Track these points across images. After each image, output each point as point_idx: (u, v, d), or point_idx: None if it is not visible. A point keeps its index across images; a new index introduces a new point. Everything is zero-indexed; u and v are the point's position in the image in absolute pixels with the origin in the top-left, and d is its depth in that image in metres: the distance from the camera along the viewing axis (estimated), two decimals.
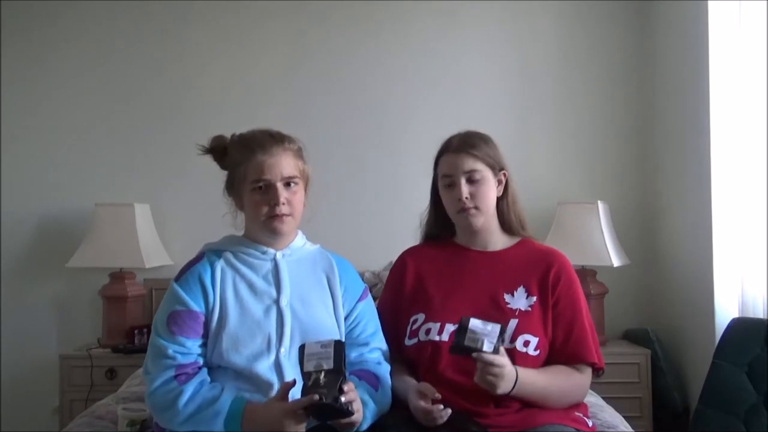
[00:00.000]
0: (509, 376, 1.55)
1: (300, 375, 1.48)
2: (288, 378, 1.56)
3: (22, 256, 3.24)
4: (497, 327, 1.53)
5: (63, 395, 2.91)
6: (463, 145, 1.79)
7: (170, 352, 1.57)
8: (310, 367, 1.44)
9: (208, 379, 1.59)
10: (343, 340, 1.68)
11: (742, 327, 2.20)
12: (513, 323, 1.69)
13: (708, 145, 2.62)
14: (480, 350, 1.51)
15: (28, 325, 3.20)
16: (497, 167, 1.81)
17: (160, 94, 3.27)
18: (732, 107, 2.57)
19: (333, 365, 1.43)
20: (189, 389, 1.54)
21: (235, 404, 1.52)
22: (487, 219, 1.81)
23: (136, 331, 2.95)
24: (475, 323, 1.53)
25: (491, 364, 1.52)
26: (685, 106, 2.86)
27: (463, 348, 1.52)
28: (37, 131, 3.26)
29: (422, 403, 1.57)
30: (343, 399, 1.43)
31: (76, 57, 3.27)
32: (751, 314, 2.48)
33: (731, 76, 2.57)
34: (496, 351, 1.52)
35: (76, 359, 2.92)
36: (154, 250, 3.07)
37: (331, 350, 1.45)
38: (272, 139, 1.67)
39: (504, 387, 1.55)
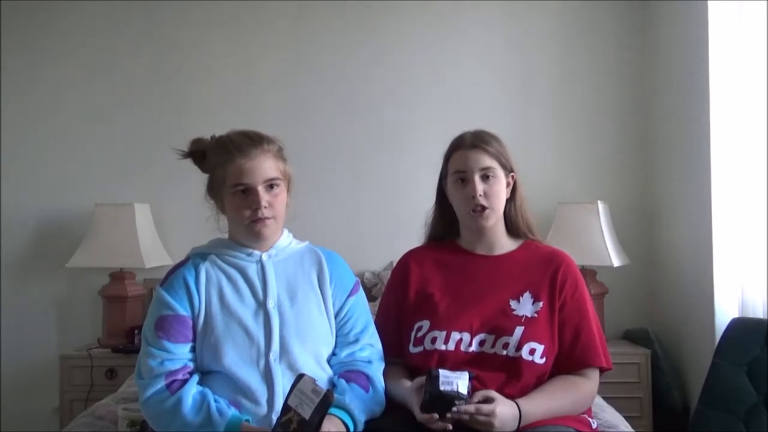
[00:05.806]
0: (503, 418, 1.51)
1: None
2: (277, 384, 1.55)
3: (22, 256, 3.24)
4: (465, 373, 1.52)
5: (63, 395, 2.91)
6: (478, 141, 1.76)
7: (159, 359, 1.55)
8: (293, 401, 1.40)
9: (199, 388, 1.54)
10: (334, 335, 1.67)
11: (742, 327, 2.19)
12: (519, 331, 1.66)
13: (708, 144, 2.62)
14: (457, 393, 1.49)
15: (28, 325, 3.20)
16: (508, 168, 1.78)
17: (161, 94, 3.27)
18: (732, 107, 2.57)
19: (308, 417, 1.38)
20: (186, 396, 1.51)
21: (231, 424, 1.48)
22: (496, 220, 1.78)
23: (136, 331, 2.94)
24: (443, 371, 1.53)
25: (470, 413, 1.48)
26: (685, 106, 2.86)
27: (440, 394, 1.49)
28: (37, 131, 3.26)
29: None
30: None
31: (76, 57, 3.27)
32: (751, 314, 2.48)
33: (731, 76, 2.57)
34: (469, 393, 1.51)
35: (76, 359, 2.92)
36: (154, 250, 3.07)
37: (316, 401, 1.39)
38: (250, 141, 1.62)
39: (501, 428, 1.51)
